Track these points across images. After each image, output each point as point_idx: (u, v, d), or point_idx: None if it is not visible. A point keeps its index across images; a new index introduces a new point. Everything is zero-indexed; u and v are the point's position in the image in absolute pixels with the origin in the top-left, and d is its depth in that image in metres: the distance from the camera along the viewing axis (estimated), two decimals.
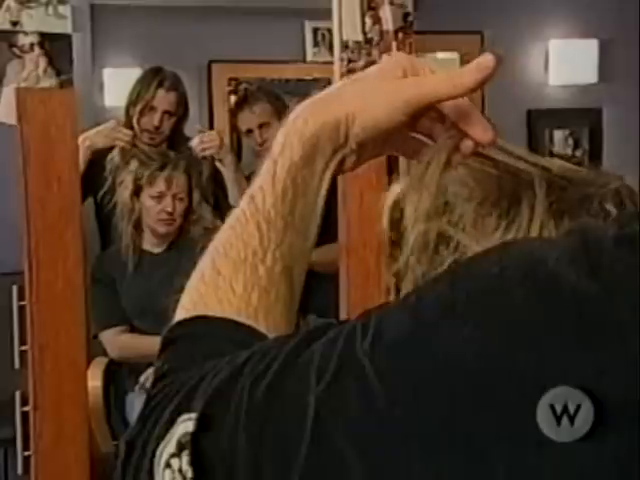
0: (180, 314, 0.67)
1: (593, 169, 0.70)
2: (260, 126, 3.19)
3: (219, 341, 0.64)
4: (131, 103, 3.00)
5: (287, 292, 0.69)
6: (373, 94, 0.70)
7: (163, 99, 3.02)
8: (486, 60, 0.68)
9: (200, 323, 0.66)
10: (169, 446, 0.54)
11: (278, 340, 0.59)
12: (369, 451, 0.49)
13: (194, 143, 2.96)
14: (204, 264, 0.69)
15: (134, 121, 2.99)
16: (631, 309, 0.45)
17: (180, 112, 3.07)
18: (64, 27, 1.68)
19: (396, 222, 0.70)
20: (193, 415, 0.54)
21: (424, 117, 0.72)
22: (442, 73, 0.70)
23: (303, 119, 0.71)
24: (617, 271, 0.47)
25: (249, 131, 3.26)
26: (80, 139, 2.19)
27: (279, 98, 3.31)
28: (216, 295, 0.66)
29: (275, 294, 0.67)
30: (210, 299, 0.66)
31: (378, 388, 0.49)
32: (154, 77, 3.03)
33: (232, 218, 0.70)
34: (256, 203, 0.69)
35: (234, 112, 3.46)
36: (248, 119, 3.27)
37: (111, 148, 2.93)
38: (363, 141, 0.71)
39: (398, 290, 0.69)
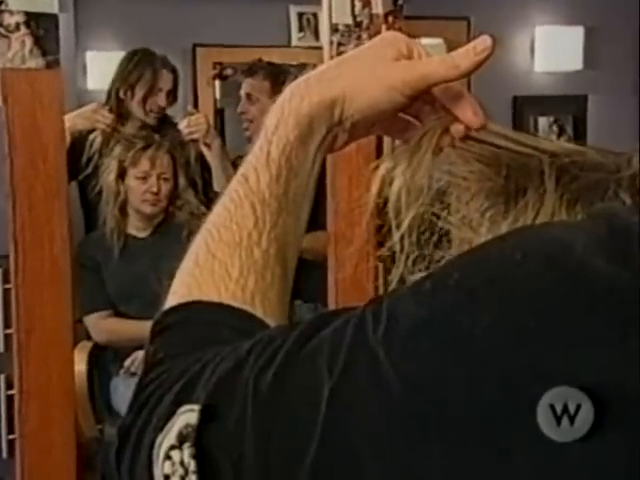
0: (173, 299, 0.65)
1: (596, 148, 0.68)
2: (248, 96, 3.12)
3: (217, 327, 0.62)
4: (129, 85, 2.98)
5: (282, 274, 0.67)
6: (370, 75, 0.69)
7: (167, 79, 3.03)
8: (484, 41, 0.69)
9: (196, 309, 0.64)
10: (169, 437, 0.52)
11: (281, 329, 0.57)
12: (384, 444, 0.46)
13: (182, 125, 2.95)
14: (197, 247, 0.67)
15: (134, 103, 2.97)
16: None
17: (176, 91, 3.10)
18: (50, 6, 1.66)
19: (383, 203, 0.68)
20: (195, 407, 0.52)
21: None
22: (439, 56, 0.69)
23: (299, 97, 0.69)
24: None
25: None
26: None
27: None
28: (212, 280, 0.65)
29: (271, 277, 0.66)
30: (206, 283, 0.65)
31: (393, 378, 0.47)
32: (152, 58, 3.02)
33: (225, 199, 0.69)
34: (250, 184, 0.68)
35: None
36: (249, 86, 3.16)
37: (91, 131, 2.92)
38: (358, 121, 0.70)
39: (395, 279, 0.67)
